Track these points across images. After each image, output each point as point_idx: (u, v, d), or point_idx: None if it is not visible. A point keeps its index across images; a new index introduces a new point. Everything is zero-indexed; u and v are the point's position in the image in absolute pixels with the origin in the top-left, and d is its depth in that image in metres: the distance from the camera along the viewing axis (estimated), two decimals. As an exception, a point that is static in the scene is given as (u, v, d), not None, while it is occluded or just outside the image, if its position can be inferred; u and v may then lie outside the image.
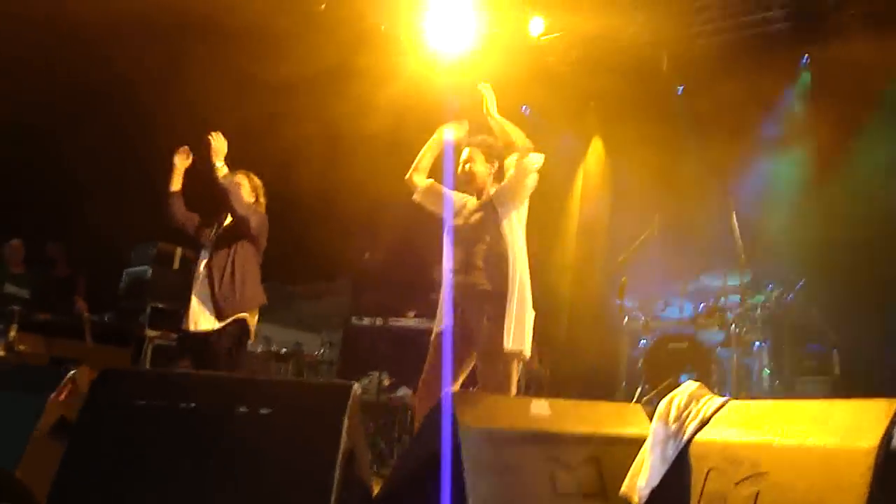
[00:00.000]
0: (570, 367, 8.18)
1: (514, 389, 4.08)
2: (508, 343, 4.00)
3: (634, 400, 6.70)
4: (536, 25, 8.88)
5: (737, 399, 3.03)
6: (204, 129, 4.95)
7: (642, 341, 7.58)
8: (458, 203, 4.46)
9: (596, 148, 9.92)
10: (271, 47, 7.91)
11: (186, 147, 5.09)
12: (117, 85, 7.63)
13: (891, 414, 2.38)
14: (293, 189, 7.86)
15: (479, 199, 4.41)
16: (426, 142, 4.59)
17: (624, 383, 7.47)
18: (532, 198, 4.43)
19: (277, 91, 7.72)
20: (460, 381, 4.26)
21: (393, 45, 8.85)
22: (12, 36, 6.85)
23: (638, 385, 7.16)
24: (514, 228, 4.22)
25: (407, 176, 4.51)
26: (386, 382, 7.07)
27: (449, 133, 4.52)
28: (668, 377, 6.76)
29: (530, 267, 4.27)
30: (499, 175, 4.41)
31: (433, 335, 4.25)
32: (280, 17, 8.03)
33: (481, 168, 4.38)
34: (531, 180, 4.26)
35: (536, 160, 4.24)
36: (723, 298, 7.37)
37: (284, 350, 7.58)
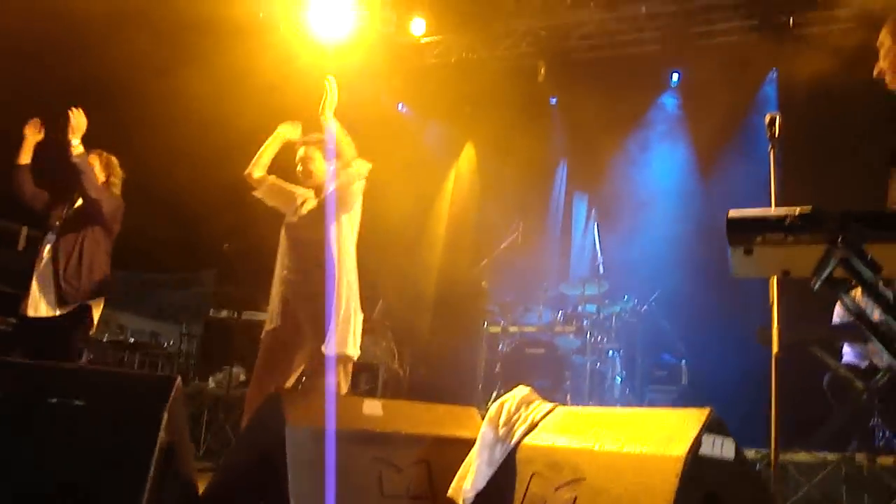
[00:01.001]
0: (429, 369, 8.22)
1: (343, 391, 4.06)
2: (332, 347, 3.99)
3: (490, 403, 6.78)
4: (418, 26, 8.91)
5: (584, 406, 3.10)
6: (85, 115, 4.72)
7: (501, 345, 7.69)
8: (298, 200, 4.41)
9: (468, 152, 10.02)
10: (151, 35, 7.64)
11: (38, 119, 4.82)
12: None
13: (701, 423, 2.48)
14: (164, 177, 7.61)
15: (315, 197, 4.38)
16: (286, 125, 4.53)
17: (480, 386, 7.55)
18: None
19: (153, 78, 7.45)
20: (292, 380, 4.21)
21: (272, 33, 8.68)
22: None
23: (494, 389, 7.25)
24: (344, 232, 4.21)
25: (246, 171, 4.42)
26: (241, 377, 6.91)
27: (286, 131, 4.46)
28: (525, 382, 6.87)
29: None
30: (337, 171, 4.37)
31: (263, 333, 4.21)
32: (155, 5, 7.77)
33: (319, 166, 4.34)
34: (357, 187, 4.25)
35: (361, 168, 4.23)
36: (581, 307, 7.56)
37: (133, 339, 7.27)
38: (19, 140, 4.83)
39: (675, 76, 9.04)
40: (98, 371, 3.15)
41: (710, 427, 2.50)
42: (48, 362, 3.89)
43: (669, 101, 9.04)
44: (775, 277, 3.30)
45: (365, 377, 7.12)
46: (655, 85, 8.99)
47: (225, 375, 6.80)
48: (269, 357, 4.14)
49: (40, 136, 4.83)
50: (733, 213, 2.72)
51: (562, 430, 2.86)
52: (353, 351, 4.11)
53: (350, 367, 4.17)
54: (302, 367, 4.23)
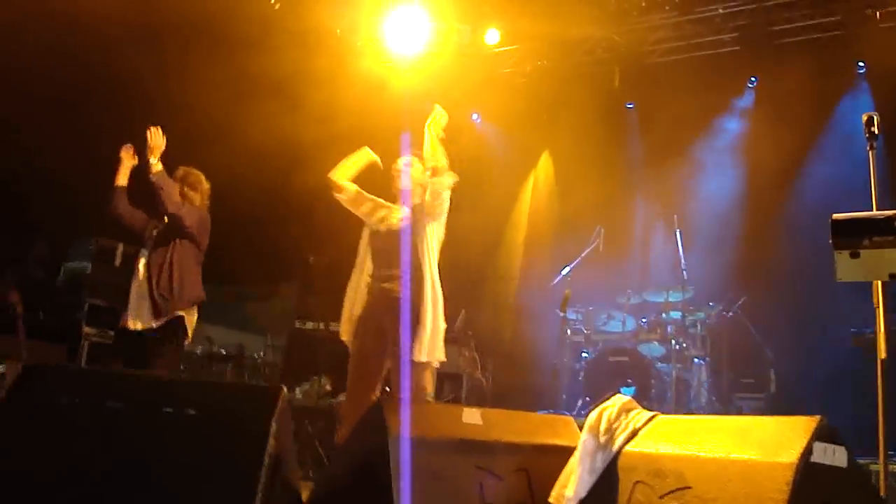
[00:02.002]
0: (511, 378, 8.20)
1: (428, 396, 4.11)
2: (422, 354, 4.06)
3: (575, 412, 6.74)
4: (493, 36, 8.95)
5: (669, 414, 3.07)
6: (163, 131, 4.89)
7: (584, 354, 7.64)
8: (381, 210, 4.48)
9: (546, 160, 10.00)
10: (228, 53, 7.85)
11: (131, 145, 5.00)
12: (66, 82, 7.49)
13: (811, 430, 2.43)
14: (248, 191, 7.80)
15: (402, 206, 4.45)
16: (377, 146, 4.64)
17: (564, 395, 7.51)
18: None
19: (234, 95, 7.65)
20: (378, 387, 4.28)
21: (349, 49, 8.84)
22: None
23: (578, 397, 7.21)
24: (430, 242, 4.28)
25: (329, 174, 4.52)
26: (328, 388, 7.01)
27: (372, 155, 4.57)
28: (609, 390, 6.81)
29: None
30: (422, 188, 4.45)
31: (348, 343, 4.32)
32: (236, 22, 7.99)
33: (417, 175, 4.42)
34: (445, 198, 4.31)
35: (449, 181, 4.29)
36: (665, 314, 7.46)
37: (224, 352, 7.46)
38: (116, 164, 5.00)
39: (755, 76, 8.83)
40: (208, 382, 3.26)
41: (821, 434, 2.44)
42: (163, 374, 4.03)
43: (749, 102, 8.84)
44: (880, 281, 3.21)
45: (449, 386, 7.16)
46: (734, 86, 8.81)
47: (312, 386, 6.91)
48: (358, 366, 4.24)
49: (135, 161, 4.99)
50: (838, 216, 2.66)
51: (664, 437, 2.83)
52: (440, 357, 4.17)
53: (434, 374, 4.24)
54: (385, 374, 4.30)
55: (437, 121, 4.38)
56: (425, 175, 4.41)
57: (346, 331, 4.35)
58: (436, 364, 4.20)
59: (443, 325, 4.25)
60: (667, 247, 7.91)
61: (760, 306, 7.44)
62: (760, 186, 8.14)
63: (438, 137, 4.35)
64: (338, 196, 4.53)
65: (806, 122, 7.94)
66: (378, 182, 4.61)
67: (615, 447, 2.90)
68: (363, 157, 4.56)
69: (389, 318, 4.19)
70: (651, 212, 8.39)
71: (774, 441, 2.50)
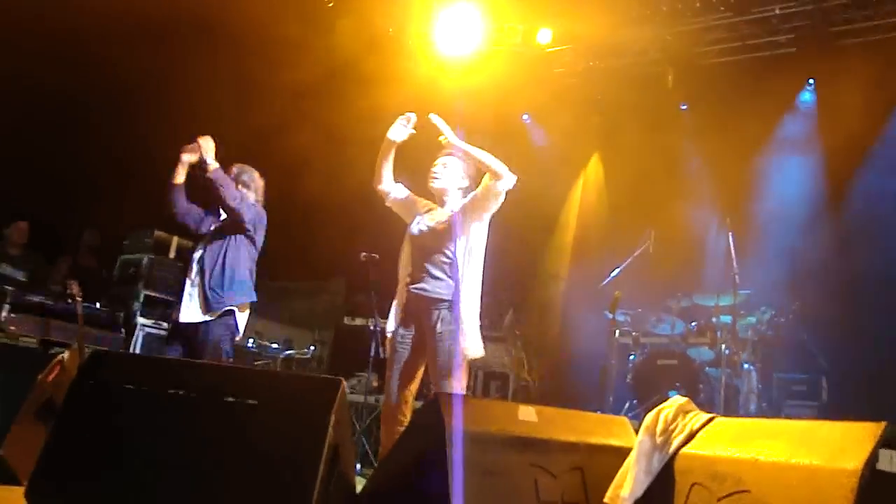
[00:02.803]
0: (558, 379, 8.18)
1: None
2: (465, 351, 4.10)
3: (622, 414, 6.69)
4: (544, 36, 8.93)
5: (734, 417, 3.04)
6: (213, 132, 4.99)
7: (632, 356, 7.58)
8: (422, 209, 4.50)
9: (595, 162, 9.94)
10: (279, 53, 7.95)
11: (192, 145, 5.09)
12: (124, 83, 7.65)
13: (876, 437, 2.39)
14: (297, 189, 7.89)
15: (442, 207, 4.46)
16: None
17: (611, 398, 7.46)
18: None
19: (286, 95, 7.75)
20: (417, 382, 4.30)
21: (400, 49, 8.89)
22: (21, 38, 6.92)
23: (626, 400, 7.16)
24: (472, 242, 4.27)
25: (373, 185, 4.55)
26: (374, 384, 7.05)
27: (394, 135, 4.50)
28: (657, 393, 6.77)
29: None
30: (468, 189, 4.45)
31: (388, 338, 4.36)
32: (288, 22, 8.08)
33: (451, 174, 4.42)
34: (496, 202, 4.28)
35: (508, 185, 4.24)
36: (715, 318, 7.35)
37: (274, 345, 7.56)
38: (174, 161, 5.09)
39: (812, 77, 8.67)
40: (268, 372, 3.31)
41: (886, 441, 2.40)
42: (225, 364, 4.10)
43: (805, 105, 8.69)
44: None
45: (495, 386, 7.17)
46: (791, 88, 8.67)
47: (359, 382, 6.97)
48: (394, 363, 4.26)
49: (194, 159, 5.07)
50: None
51: (722, 440, 2.80)
52: (475, 354, 4.18)
53: (468, 369, 4.27)
54: (422, 372, 4.33)
55: (444, 133, 4.33)
56: (465, 177, 4.41)
57: (389, 329, 4.39)
58: (472, 358, 4.21)
59: (477, 323, 4.24)
60: (718, 250, 7.79)
61: (813, 312, 7.31)
62: (817, 190, 8.00)
63: (459, 146, 4.32)
64: (387, 203, 4.58)
65: (866, 126, 7.78)
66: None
67: (672, 448, 2.88)
68: (387, 145, 4.51)
69: (425, 316, 4.22)
70: (703, 214, 8.29)
71: (837, 446, 2.46)
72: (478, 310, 4.25)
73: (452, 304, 4.17)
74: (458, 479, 2.65)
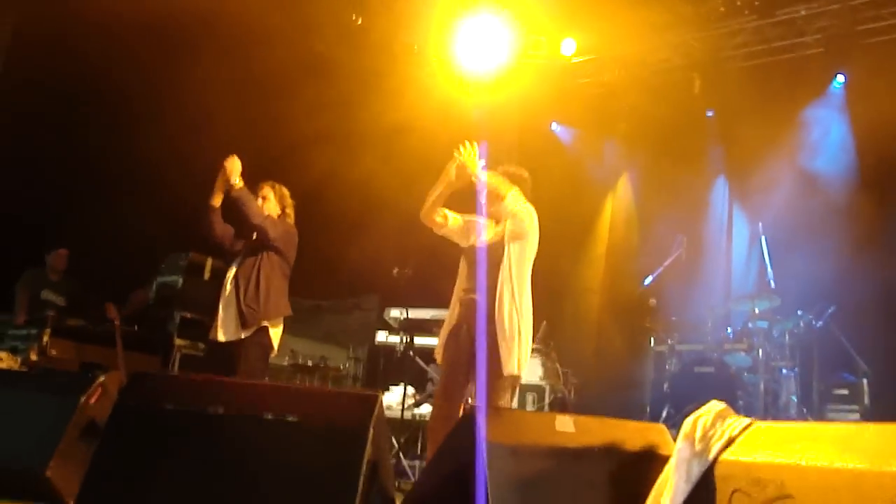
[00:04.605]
0: (595, 390, 8.14)
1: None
2: (503, 368, 4.12)
3: (661, 423, 6.64)
4: (569, 46, 8.95)
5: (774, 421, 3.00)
6: (239, 148, 5.06)
7: (668, 364, 7.53)
8: (477, 226, 4.55)
9: (625, 176, 9.88)
10: (306, 68, 8.04)
11: (228, 167, 5.16)
12: (159, 100, 7.78)
13: (921, 438, 2.35)
14: (326, 205, 7.95)
15: (496, 224, 4.50)
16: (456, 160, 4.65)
17: (648, 407, 7.41)
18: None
19: (313, 111, 7.83)
20: (464, 401, 4.34)
21: (425, 64, 8.95)
22: (31, 44, 7.07)
23: (663, 409, 7.10)
24: (521, 260, 4.33)
25: (421, 215, 4.56)
26: (411, 399, 7.07)
27: (453, 172, 4.50)
28: (694, 402, 6.69)
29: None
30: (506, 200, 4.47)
31: (442, 354, 4.39)
32: (315, 37, 8.17)
33: (499, 194, 4.45)
34: (531, 224, 4.36)
35: (523, 221, 4.33)
36: (751, 323, 7.28)
37: (310, 363, 7.61)
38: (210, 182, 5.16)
39: (841, 78, 8.55)
40: (307, 389, 3.34)
41: (932, 443, 2.36)
42: (263, 382, 4.14)
43: (835, 107, 8.58)
44: None
45: (531, 398, 7.15)
46: (819, 90, 8.57)
47: (394, 398, 6.98)
48: (446, 378, 4.32)
49: (232, 182, 5.13)
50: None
51: (763, 445, 2.77)
52: (520, 372, 4.23)
53: (517, 389, 4.29)
54: (470, 387, 4.35)
55: (470, 164, 4.37)
56: (505, 182, 4.45)
57: (440, 343, 4.43)
58: (516, 374, 4.23)
59: (528, 340, 4.29)
60: (751, 255, 7.74)
61: (852, 315, 7.21)
62: (850, 192, 7.90)
63: (476, 176, 4.36)
64: (438, 232, 4.62)
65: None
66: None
67: (711, 455, 2.84)
68: (445, 180, 4.52)
69: (475, 331, 4.25)
70: (735, 220, 8.23)
71: (882, 449, 2.42)
72: (527, 326, 4.30)
73: (501, 321, 4.20)
74: (491, 493, 2.66)
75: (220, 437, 2.82)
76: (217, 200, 5.10)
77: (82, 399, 3.55)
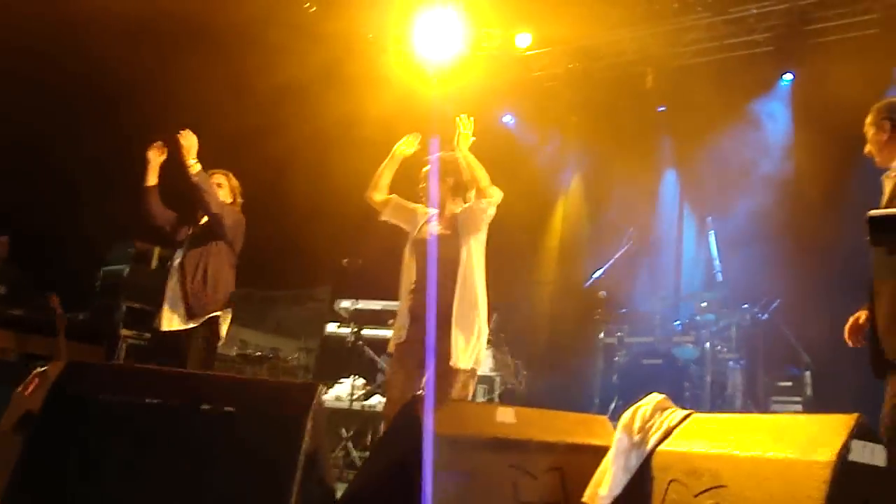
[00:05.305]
0: (546, 382, 8.18)
1: None
2: (459, 360, 4.09)
3: (608, 415, 6.71)
4: (524, 39, 8.97)
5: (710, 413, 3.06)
6: (196, 134, 4.94)
7: (616, 357, 7.61)
8: (422, 218, 4.49)
9: (577, 171, 9.94)
10: (262, 56, 7.94)
11: (160, 142, 5.01)
12: (105, 87, 7.62)
13: (849, 428, 2.41)
14: (280, 195, 7.88)
15: (440, 214, 4.45)
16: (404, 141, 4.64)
17: (597, 398, 7.48)
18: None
19: (267, 98, 7.74)
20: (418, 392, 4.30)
21: (380, 53, 8.90)
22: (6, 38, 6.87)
23: (612, 400, 7.18)
24: (473, 251, 4.29)
25: (366, 195, 4.54)
26: (361, 390, 7.05)
27: (403, 149, 4.55)
28: (642, 393, 6.76)
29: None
30: (457, 189, 4.45)
31: (393, 348, 4.32)
32: (269, 27, 8.07)
33: (436, 184, 4.42)
34: (488, 215, 4.32)
35: (494, 200, 4.29)
36: (698, 316, 7.39)
37: (259, 353, 7.54)
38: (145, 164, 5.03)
39: (789, 76, 8.70)
40: (245, 380, 3.30)
41: (859, 432, 2.42)
42: (200, 372, 4.09)
43: (784, 101, 8.73)
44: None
45: (482, 389, 7.17)
46: (769, 86, 8.71)
47: (344, 389, 6.96)
48: (399, 371, 4.24)
49: (163, 157, 5.01)
50: (874, 212, 2.64)
51: (699, 436, 2.82)
52: (478, 366, 4.21)
53: (474, 382, 4.27)
54: (424, 379, 4.32)
55: (463, 134, 4.36)
56: (447, 182, 4.42)
57: (395, 336, 4.36)
58: (476, 372, 4.23)
59: (485, 332, 4.28)
60: (700, 249, 7.85)
61: (797, 308, 7.34)
62: (797, 188, 8.04)
63: (469, 145, 4.35)
64: (380, 217, 4.57)
65: (845, 122, 7.81)
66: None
67: (649, 446, 2.89)
68: (395, 158, 4.55)
69: (429, 323, 4.20)
70: (684, 214, 8.33)
71: (811, 439, 2.48)
72: (483, 318, 4.27)
73: (455, 313, 4.15)
74: (434, 482, 2.65)
75: (155, 428, 2.76)
76: (152, 180, 4.99)
77: (17, 390, 3.46)
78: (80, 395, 2.89)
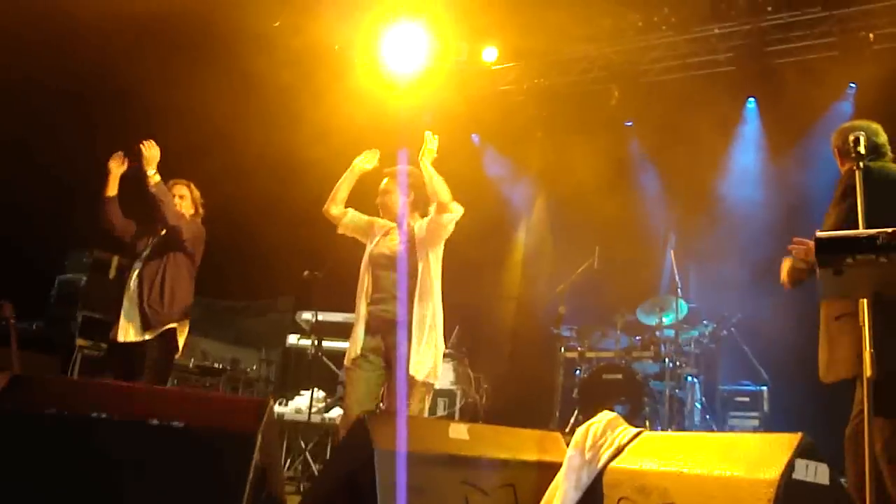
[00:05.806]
0: (506, 396, 8.19)
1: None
2: (416, 373, 4.09)
3: (568, 429, 6.73)
4: (490, 53, 9.03)
5: (663, 431, 3.08)
6: (159, 143, 4.91)
7: (577, 371, 7.64)
8: (380, 230, 4.50)
9: (542, 187, 9.98)
10: (228, 67, 7.90)
11: (121, 153, 5.00)
12: (66, 93, 7.53)
13: (793, 447, 2.45)
14: (243, 206, 7.82)
15: (399, 228, 4.46)
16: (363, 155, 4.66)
17: (557, 413, 7.50)
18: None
19: (232, 109, 7.69)
20: (374, 406, 4.29)
21: (347, 66, 8.90)
22: None
23: (572, 415, 7.20)
24: (431, 265, 4.31)
25: (324, 208, 4.56)
26: (321, 403, 7.00)
27: (362, 163, 4.59)
28: (602, 408, 6.80)
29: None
30: (416, 204, 4.46)
31: (348, 360, 4.30)
32: (235, 40, 8.03)
33: (397, 200, 4.44)
34: (447, 231, 4.35)
35: (454, 216, 4.32)
36: (658, 332, 7.45)
37: (219, 365, 7.46)
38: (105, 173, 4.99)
39: (752, 99, 8.87)
40: (195, 394, 3.26)
41: (802, 451, 2.46)
42: (150, 386, 4.04)
43: (747, 121, 8.87)
44: (865, 300, 3.21)
45: (442, 403, 7.16)
46: (732, 105, 8.83)
47: (305, 400, 6.90)
48: (356, 383, 4.22)
49: (124, 168, 4.99)
50: (821, 233, 2.68)
51: (648, 454, 2.84)
52: (435, 379, 4.22)
53: (430, 396, 4.26)
54: (381, 392, 4.31)
55: (428, 149, 4.38)
56: (407, 195, 4.44)
57: (351, 349, 4.32)
58: (434, 385, 4.24)
59: (442, 347, 4.29)
60: (662, 265, 7.92)
61: (754, 326, 7.44)
62: (756, 207, 8.15)
63: (432, 161, 4.36)
64: (338, 231, 4.60)
65: (803, 142, 7.97)
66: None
67: (600, 463, 2.90)
68: (353, 172, 4.58)
69: (388, 338, 4.21)
70: (647, 231, 8.40)
71: (757, 458, 2.52)
72: (440, 334, 4.28)
73: (412, 326, 4.16)
74: (387, 499, 2.64)
75: (102, 442, 2.73)
76: (112, 190, 4.96)
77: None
78: (23, 409, 2.84)
